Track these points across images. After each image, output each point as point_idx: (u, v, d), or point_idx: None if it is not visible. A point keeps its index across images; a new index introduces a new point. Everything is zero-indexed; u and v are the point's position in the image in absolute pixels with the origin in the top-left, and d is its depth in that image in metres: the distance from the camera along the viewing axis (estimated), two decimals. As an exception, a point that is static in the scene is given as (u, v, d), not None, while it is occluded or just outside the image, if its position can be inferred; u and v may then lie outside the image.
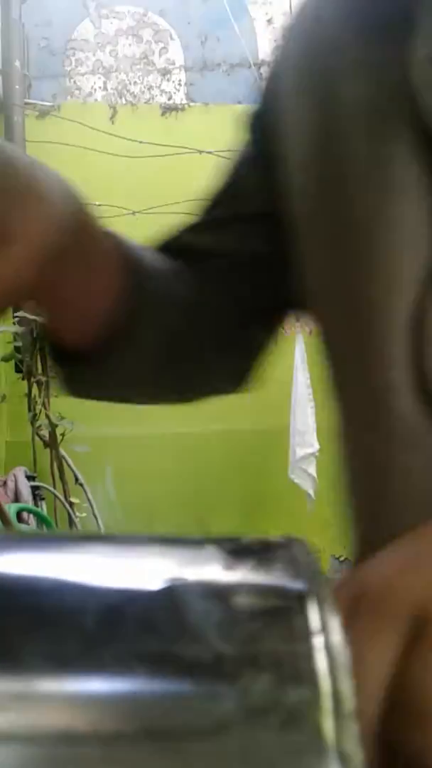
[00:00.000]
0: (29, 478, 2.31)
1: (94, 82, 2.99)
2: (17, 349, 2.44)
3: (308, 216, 0.49)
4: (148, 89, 3.02)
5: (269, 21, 3.03)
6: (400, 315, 0.43)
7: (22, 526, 2.00)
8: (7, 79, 2.71)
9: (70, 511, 2.32)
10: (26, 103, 2.79)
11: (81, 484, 2.37)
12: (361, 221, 0.45)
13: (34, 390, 2.38)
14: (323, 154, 0.47)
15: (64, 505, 2.32)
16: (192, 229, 0.56)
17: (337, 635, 0.16)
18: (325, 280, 0.48)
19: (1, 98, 2.71)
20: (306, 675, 0.15)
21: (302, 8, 0.52)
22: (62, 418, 2.33)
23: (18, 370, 2.49)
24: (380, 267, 0.44)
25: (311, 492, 2.57)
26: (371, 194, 0.45)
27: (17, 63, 2.72)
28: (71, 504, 2.33)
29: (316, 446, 2.58)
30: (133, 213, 2.66)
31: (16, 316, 2.39)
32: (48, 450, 2.38)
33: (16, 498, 2.18)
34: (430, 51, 0.42)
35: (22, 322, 2.35)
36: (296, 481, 2.60)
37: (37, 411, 2.36)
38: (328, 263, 0.48)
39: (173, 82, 3.04)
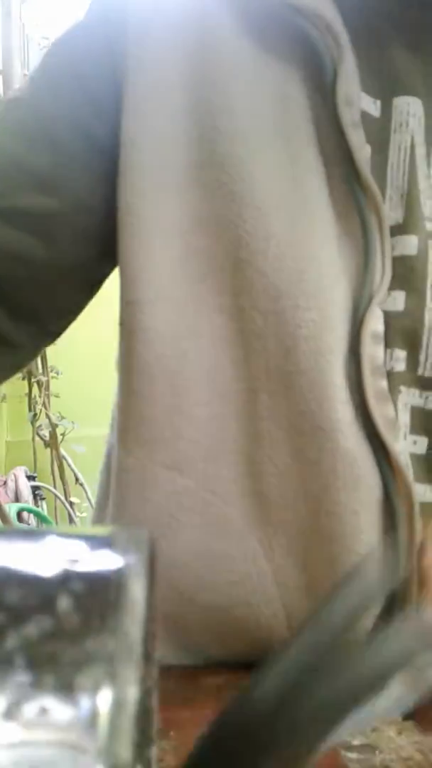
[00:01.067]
0: (29, 477, 2.32)
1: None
2: (17, 349, 2.44)
3: (215, 254, 0.45)
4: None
5: None
6: (337, 349, 0.43)
7: (23, 526, 2.00)
8: (7, 79, 2.71)
9: (71, 510, 2.32)
10: (26, 103, 2.79)
11: (81, 484, 2.38)
12: (282, 258, 0.44)
13: (35, 390, 2.38)
14: (222, 179, 0.45)
15: (65, 505, 2.32)
16: None
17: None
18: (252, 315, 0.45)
19: (1, 98, 2.71)
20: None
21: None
22: (63, 417, 2.33)
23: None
24: (311, 303, 0.43)
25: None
26: (289, 232, 0.44)
27: (17, 63, 2.73)
28: (72, 504, 2.34)
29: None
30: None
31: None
32: (48, 450, 2.39)
33: (17, 498, 2.18)
34: (348, 92, 0.44)
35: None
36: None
37: (38, 411, 2.37)
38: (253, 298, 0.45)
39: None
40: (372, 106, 0.47)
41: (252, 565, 0.45)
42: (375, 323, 0.43)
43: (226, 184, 0.44)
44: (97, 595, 0.17)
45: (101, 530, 0.20)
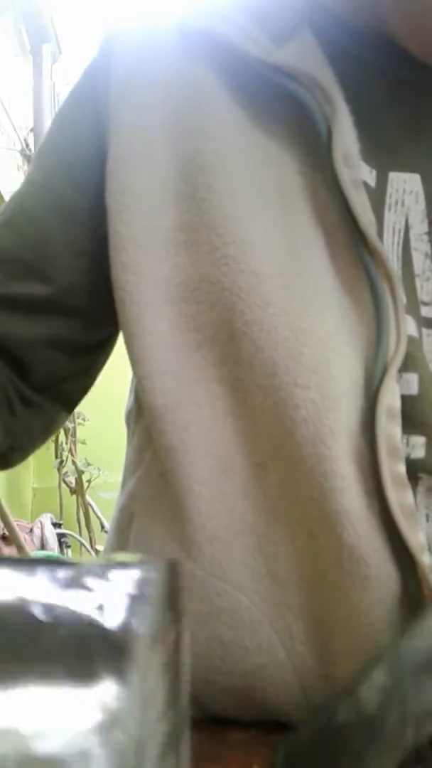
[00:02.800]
0: (55, 525, 2.31)
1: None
2: (45, 396, 2.46)
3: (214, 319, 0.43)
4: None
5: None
6: (340, 431, 0.39)
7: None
8: (38, 137, 2.80)
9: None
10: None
11: (107, 532, 2.36)
12: (278, 329, 0.40)
13: (61, 436, 2.39)
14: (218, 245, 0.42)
15: (90, 553, 2.31)
16: None
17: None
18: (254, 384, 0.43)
19: (32, 156, 2.80)
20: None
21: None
22: (89, 464, 2.33)
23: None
24: (311, 381, 0.40)
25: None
26: (292, 303, 0.41)
27: (48, 121, 2.82)
28: (97, 552, 2.32)
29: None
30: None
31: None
32: (74, 496, 2.38)
33: (43, 545, 2.17)
34: (346, 151, 0.41)
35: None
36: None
37: (64, 457, 2.37)
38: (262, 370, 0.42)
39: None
40: (369, 176, 0.45)
41: (268, 656, 0.41)
42: (391, 398, 0.39)
43: (218, 248, 0.42)
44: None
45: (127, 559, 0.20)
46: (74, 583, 0.17)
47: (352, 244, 0.41)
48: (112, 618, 0.17)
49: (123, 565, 0.19)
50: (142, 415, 0.49)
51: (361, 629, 0.39)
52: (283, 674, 0.41)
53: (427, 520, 0.42)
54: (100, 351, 0.55)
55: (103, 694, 0.15)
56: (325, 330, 0.40)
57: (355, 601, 0.39)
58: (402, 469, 0.39)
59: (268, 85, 0.43)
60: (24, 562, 0.18)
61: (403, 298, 0.40)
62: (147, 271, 0.44)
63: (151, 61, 0.47)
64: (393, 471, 0.38)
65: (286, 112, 0.44)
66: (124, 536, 0.49)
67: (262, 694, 0.42)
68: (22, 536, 1.73)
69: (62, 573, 0.18)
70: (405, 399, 0.40)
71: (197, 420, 0.43)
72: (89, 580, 0.17)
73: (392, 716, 0.22)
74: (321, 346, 0.40)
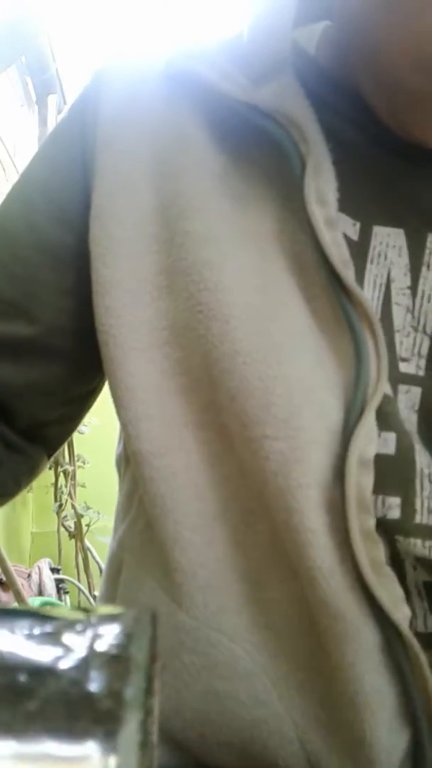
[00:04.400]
0: (54, 570, 2.27)
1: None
2: (45, 439, 2.46)
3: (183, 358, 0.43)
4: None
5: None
6: (309, 484, 0.38)
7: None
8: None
9: (94, 605, 2.27)
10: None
11: (106, 577, 2.32)
12: (249, 378, 0.39)
13: (61, 480, 2.37)
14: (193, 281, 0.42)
15: (88, 599, 2.27)
16: None
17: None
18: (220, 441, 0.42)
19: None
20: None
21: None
22: (88, 507, 2.31)
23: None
24: (280, 432, 0.39)
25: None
26: (261, 347, 0.40)
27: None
28: (95, 598, 2.28)
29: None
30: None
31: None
32: (73, 541, 2.36)
33: (40, 591, 2.14)
34: (321, 189, 0.41)
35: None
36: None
37: (63, 501, 2.35)
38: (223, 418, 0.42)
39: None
40: (351, 229, 0.44)
41: (265, 708, 0.40)
42: (364, 443, 0.38)
43: (194, 294, 0.41)
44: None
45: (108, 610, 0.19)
46: (54, 640, 0.17)
47: (329, 286, 0.40)
48: (96, 681, 0.16)
49: (104, 618, 0.18)
50: (129, 461, 0.48)
51: (351, 679, 0.38)
52: (281, 727, 0.40)
53: (415, 569, 0.41)
54: (87, 397, 0.55)
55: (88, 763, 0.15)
56: (297, 376, 0.39)
57: (339, 655, 0.38)
58: (372, 524, 0.38)
59: (247, 128, 0.43)
60: (4, 616, 0.18)
61: (383, 344, 0.40)
62: (130, 315, 0.43)
63: (137, 103, 0.47)
64: (362, 525, 0.37)
65: (264, 155, 0.44)
66: (114, 585, 0.48)
67: (262, 748, 0.41)
68: (20, 582, 1.70)
69: (41, 629, 0.17)
70: (382, 458, 0.39)
71: (186, 466, 0.42)
72: (69, 637, 0.17)
73: None
74: (291, 394, 0.39)
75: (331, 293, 0.40)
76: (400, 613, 0.37)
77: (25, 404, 0.50)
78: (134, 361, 0.43)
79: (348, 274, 0.40)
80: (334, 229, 0.41)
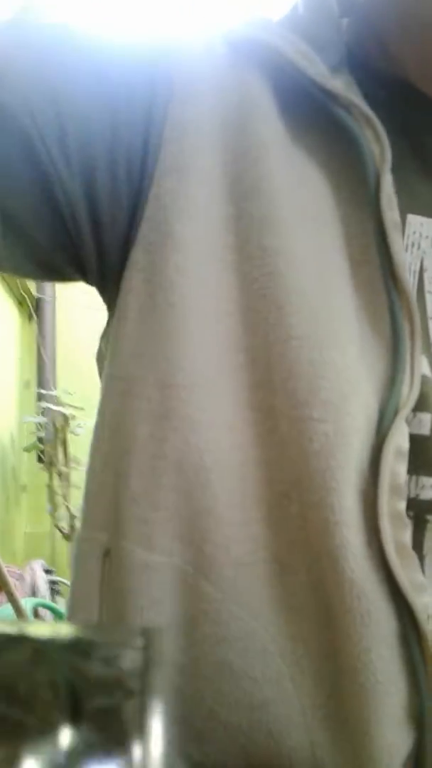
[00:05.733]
0: (47, 571, 2.27)
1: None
2: (40, 439, 2.45)
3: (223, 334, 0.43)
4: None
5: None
6: (350, 467, 0.39)
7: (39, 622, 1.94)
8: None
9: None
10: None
11: (99, 578, 2.32)
12: (299, 362, 0.41)
13: (55, 480, 2.37)
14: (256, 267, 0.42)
15: (82, 600, 2.26)
16: None
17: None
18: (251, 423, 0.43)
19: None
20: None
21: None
22: (82, 509, 2.31)
23: (40, 460, 2.50)
24: (328, 415, 0.40)
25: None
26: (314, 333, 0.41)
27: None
28: (88, 599, 2.27)
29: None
30: None
31: (41, 406, 2.42)
32: (66, 542, 2.35)
33: (33, 592, 2.13)
34: (390, 193, 0.42)
35: (45, 413, 2.37)
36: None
37: (57, 502, 2.35)
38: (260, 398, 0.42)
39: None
40: (399, 220, 0.45)
41: (276, 687, 0.41)
42: (400, 439, 0.40)
43: (256, 278, 0.42)
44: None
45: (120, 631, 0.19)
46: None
47: (380, 282, 0.42)
48: None
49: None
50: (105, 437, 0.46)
51: (362, 667, 0.38)
52: (289, 712, 0.41)
53: None
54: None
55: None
56: (345, 363, 0.40)
57: (355, 638, 0.38)
58: (402, 507, 0.39)
59: (318, 112, 0.43)
60: None
61: (420, 340, 0.41)
62: (201, 279, 0.43)
63: (206, 76, 0.46)
64: (392, 508, 0.39)
65: (330, 141, 0.44)
66: (98, 569, 0.46)
67: (267, 733, 0.41)
68: (13, 582, 1.69)
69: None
70: (417, 439, 0.41)
71: (231, 443, 0.42)
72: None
73: None
74: (339, 380, 0.40)
75: (382, 291, 0.42)
76: (420, 600, 0.38)
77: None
78: (198, 326, 0.43)
79: (407, 277, 0.41)
80: (399, 233, 0.42)
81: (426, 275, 0.45)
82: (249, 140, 0.44)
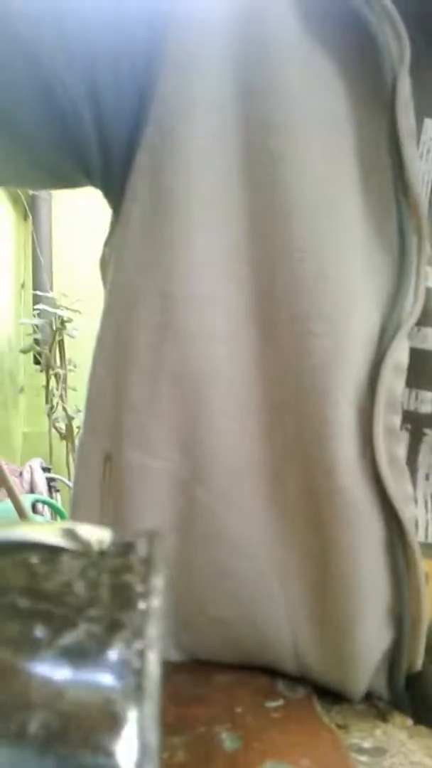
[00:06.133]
0: (45, 469, 2.33)
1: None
2: (36, 341, 2.46)
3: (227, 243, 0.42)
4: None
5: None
6: (348, 381, 0.39)
7: (37, 518, 2.01)
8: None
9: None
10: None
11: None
12: (301, 275, 0.40)
13: (52, 382, 2.39)
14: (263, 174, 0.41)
15: (79, 498, 2.33)
16: None
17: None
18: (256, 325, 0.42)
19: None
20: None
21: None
22: (79, 410, 2.34)
23: (36, 362, 2.51)
24: (327, 329, 0.39)
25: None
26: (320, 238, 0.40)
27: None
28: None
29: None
30: None
31: (37, 309, 2.41)
32: (64, 442, 2.40)
33: (32, 489, 2.20)
34: (407, 97, 0.40)
35: (42, 314, 2.36)
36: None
37: (54, 403, 2.38)
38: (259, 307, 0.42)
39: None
40: (414, 126, 0.42)
41: (263, 585, 0.43)
42: (399, 355, 0.40)
43: (260, 186, 0.41)
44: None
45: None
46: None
47: (391, 190, 0.40)
48: None
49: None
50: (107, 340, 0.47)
51: (349, 571, 0.40)
52: (275, 608, 0.43)
53: (426, 479, 0.43)
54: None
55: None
56: (349, 279, 0.40)
57: (344, 544, 0.40)
58: (397, 421, 0.40)
59: (339, 9, 0.41)
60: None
61: (427, 253, 0.40)
62: (203, 184, 0.42)
63: None
64: (387, 422, 0.39)
65: (350, 41, 0.41)
66: (99, 472, 0.47)
67: (252, 628, 0.43)
68: (12, 480, 1.74)
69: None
70: (419, 353, 0.41)
71: (230, 354, 0.42)
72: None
73: None
74: (341, 295, 0.39)
75: (391, 199, 0.40)
76: (408, 511, 0.39)
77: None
78: (198, 234, 0.42)
79: (419, 187, 0.39)
80: (413, 141, 0.40)
81: None
82: (261, 38, 0.42)
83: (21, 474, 2.24)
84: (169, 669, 0.44)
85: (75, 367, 2.39)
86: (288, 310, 0.41)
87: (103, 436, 0.46)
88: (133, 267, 0.44)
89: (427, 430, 0.42)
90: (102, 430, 0.47)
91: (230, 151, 0.42)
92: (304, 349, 0.40)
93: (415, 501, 0.42)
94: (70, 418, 2.35)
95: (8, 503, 1.68)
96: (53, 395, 2.39)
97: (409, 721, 0.40)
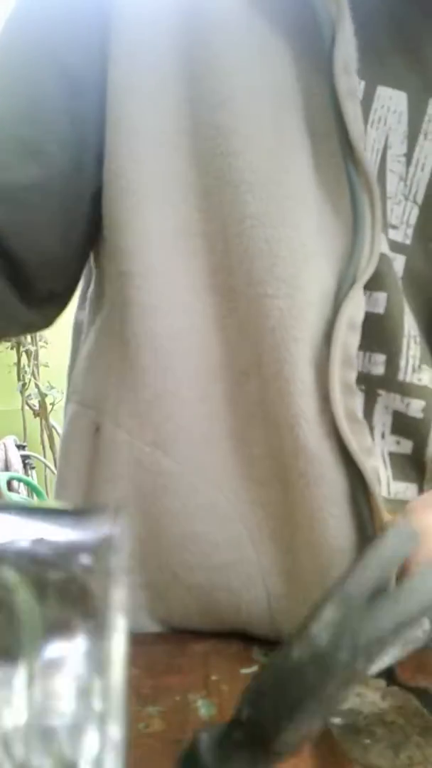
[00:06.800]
0: (19, 447, 2.31)
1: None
2: (6, 318, 2.42)
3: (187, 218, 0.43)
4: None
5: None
6: (304, 339, 0.40)
7: (13, 495, 2.00)
8: None
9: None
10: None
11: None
12: (255, 240, 0.41)
13: (24, 359, 2.36)
14: (211, 146, 0.42)
15: (54, 474, 2.33)
16: None
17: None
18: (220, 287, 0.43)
19: None
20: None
21: None
22: (52, 387, 2.32)
23: (7, 339, 2.48)
24: (281, 291, 0.41)
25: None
26: (273, 204, 0.41)
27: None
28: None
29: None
30: None
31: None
32: (38, 419, 2.38)
33: (7, 467, 2.18)
34: (347, 58, 0.40)
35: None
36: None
37: (27, 380, 2.35)
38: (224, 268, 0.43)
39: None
40: (357, 86, 0.42)
41: (236, 550, 0.44)
42: (354, 310, 0.40)
43: (210, 160, 0.42)
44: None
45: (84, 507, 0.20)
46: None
47: (340, 154, 0.41)
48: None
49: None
50: (100, 317, 0.48)
51: (316, 525, 0.41)
52: (249, 570, 0.44)
53: (383, 437, 0.44)
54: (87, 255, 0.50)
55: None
56: (300, 240, 0.41)
57: (310, 500, 0.41)
58: (352, 377, 0.41)
59: None
60: None
61: (380, 217, 0.41)
62: (152, 165, 0.43)
63: None
64: (343, 378, 0.40)
65: (289, 10, 0.42)
66: (89, 446, 0.48)
67: (227, 591, 0.44)
68: (-14, 458, 1.72)
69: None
70: (371, 317, 0.42)
71: (189, 326, 0.43)
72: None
73: (343, 649, 0.24)
74: (293, 256, 0.40)
75: (340, 161, 0.41)
76: (368, 463, 0.41)
77: (46, 260, 0.47)
78: (150, 213, 0.43)
79: (361, 147, 0.40)
80: (354, 101, 0.40)
81: (389, 153, 0.43)
82: (203, 20, 0.42)
83: (-5, 452, 2.22)
84: (145, 641, 0.45)
85: (46, 343, 2.36)
86: (244, 277, 0.42)
87: (91, 408, 0.48)
88: (101, 254, 0.46)
89: (380, 391, 0.43)
90: (90, 402, 0.48)
91: (179, 131, 0.43)
92: (261, 311, 0.41)
93: (373, 452, 0.43)
94: (43, 395, 2.34)
95: (-18, 482, 1.67)
96: (25, 372, 2.37)
97: (382, 683, 0.41)
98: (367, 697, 0.39)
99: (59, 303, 0.51)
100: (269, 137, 0.41)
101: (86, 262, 0.50)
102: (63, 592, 0.18)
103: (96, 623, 0.17)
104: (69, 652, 0.17)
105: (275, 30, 0.42)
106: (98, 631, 0.17)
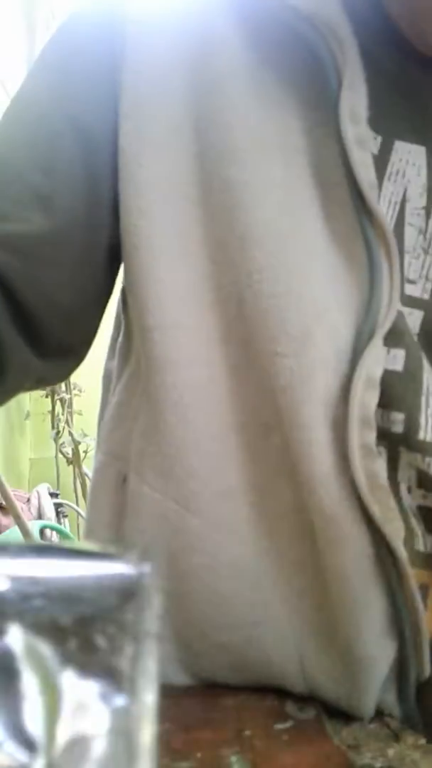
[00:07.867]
0: (52, 495, 2.32)
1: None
2: (41, 366, 2.46)
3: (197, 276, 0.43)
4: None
5: None
6: (317, 399, 0.39)
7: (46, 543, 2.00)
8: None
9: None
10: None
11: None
12: (264, 296, 0.40)
13: (58, 407, 2.39)
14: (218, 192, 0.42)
15: (87, 522, 2.32)
16: None
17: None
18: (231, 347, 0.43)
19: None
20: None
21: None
22: (85, 435, 2.34)
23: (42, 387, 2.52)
24: (290, 349, 0.40)
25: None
26: (281, 258, 0.41)
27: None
28: (94, 521, 2.33)
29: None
30: None
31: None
32: (71, 467, 2.39)
33: (39, 515, 2.18)
34: (354, 106, 0.40)
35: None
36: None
37: (60, 428, 2.38)
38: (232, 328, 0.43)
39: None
40: (372, 142, 0.43)
41: (265, 608, 0.43)
42: (372, 365, 0.39)
43: (223, 212, 0.42)
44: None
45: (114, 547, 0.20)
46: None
47: (351, 205, 0.40)
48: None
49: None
50: (128, 368, 0.49)
51: (342, 585, 0.40)
52: (279, 628, 0.43)
53: (409, 492, 0.43)
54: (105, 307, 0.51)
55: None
56: (310, 295, 0.40)
57: (333, 559, 0.40)
58: (372, 438, 0.40)
59: (282, 30, 0.42)
60: None
61: (398, 260, 0.40)
62: (164, 220, 0.43)
63: (162, 17, 0.45)
64: (362, 439, 0.39)
65: (296, 61, 0.42)
66: (116, 497, 0.48)
67: (258, 649, 0.43)
68: (20, 506, 1.73)
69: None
70: (390, 375, 0.41)
71: (210, 377, 0.43)
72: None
73: None
74: (304, 313, 0.40)
75: (352, 213, 0.40)
76: (391, 527, 0.39)
77: (61, 313, 0.47)
78: (165, 268, 0.43)
79: (373, 196, 0.40)
80: (364, 149, 0.40)
81: (408, 206, 0.43)
82: (211, 73, 0.43)
83: (28, 500, 2.23)
84: (176, 693, 0.44)
85: (80, 391, 2.39)
86: (257, 332, 0.41)
87: (119, 459, 0.48)
88: (127, 305, 0.47)
89: (401, 449, 0.42)
90: (117, 454, 0.48)
91: (190, 184, 0.43)
92: (271, 370, 0.40)
93: (405, 515, 0.42)
94: (76, 443, 2.35)
95: (16, 530, 1.68)
96: (59, 420, 2.39)
97: (422, 740, 0.39)
98: (406, 755, 0.37)
99: (73, 356, 0.51)
100: (279, 190, 0.41)
101: (102, 315, 0.50)
102: (84, 664, 0.17)
103: (123, 699, 0.16)
104: (92, 731, 0.16)
105: (283, 82, 0.43)
106: (125, 712, 0.16)
